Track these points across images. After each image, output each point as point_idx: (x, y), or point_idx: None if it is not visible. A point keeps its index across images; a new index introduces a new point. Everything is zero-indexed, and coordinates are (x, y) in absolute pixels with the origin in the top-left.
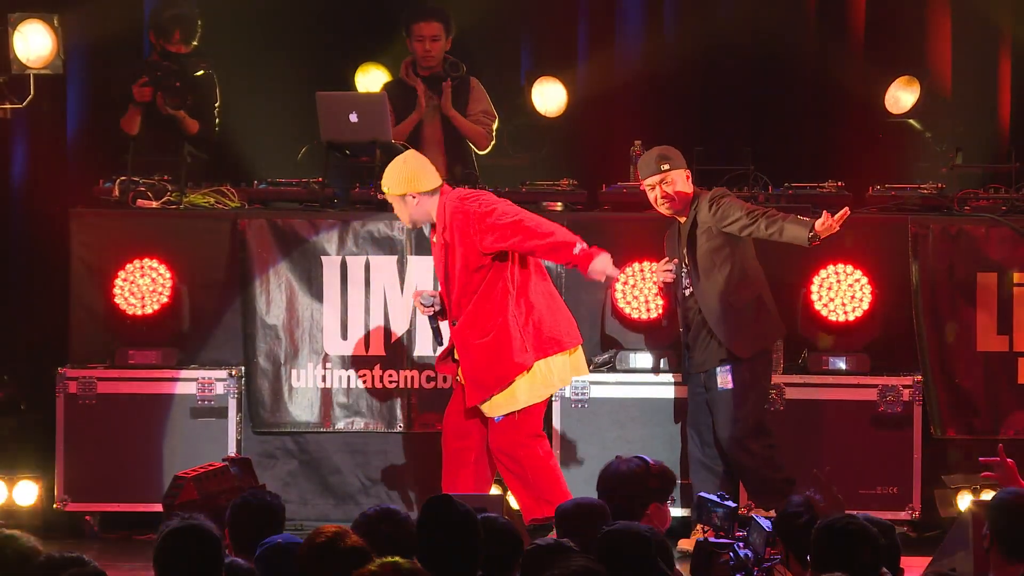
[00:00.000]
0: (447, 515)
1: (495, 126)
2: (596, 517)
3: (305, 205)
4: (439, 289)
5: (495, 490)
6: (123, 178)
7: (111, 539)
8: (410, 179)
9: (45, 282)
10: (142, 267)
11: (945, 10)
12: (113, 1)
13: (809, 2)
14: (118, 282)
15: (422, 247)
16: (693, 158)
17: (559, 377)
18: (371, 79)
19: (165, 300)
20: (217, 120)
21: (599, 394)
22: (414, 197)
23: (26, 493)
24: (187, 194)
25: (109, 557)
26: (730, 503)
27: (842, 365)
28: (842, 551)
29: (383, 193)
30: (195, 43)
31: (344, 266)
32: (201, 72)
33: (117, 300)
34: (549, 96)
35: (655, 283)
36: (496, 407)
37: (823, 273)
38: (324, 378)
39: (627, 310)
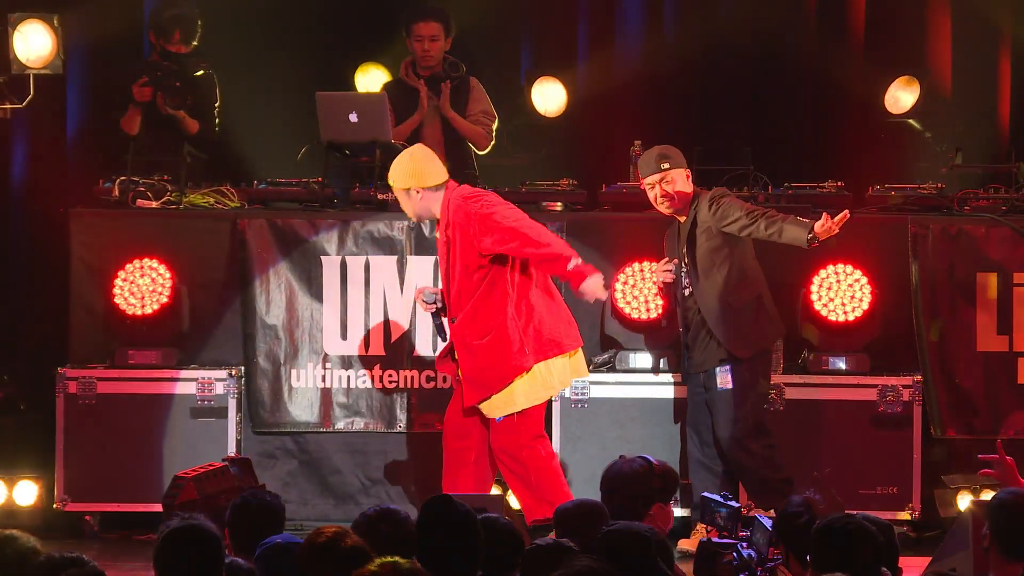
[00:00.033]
0: (447, 515)
1: (495, 126)
2: (595, 518)
3: (305, 205)
4: (441, 287)
5: (495, 490)
6: (123, 178)
7: (111, 539)
8: (415, 173)
9: (45, 282)
10: (142, 267)
11: (945, 10)
12: (113, 1)
13: (809, 2)
14: (118, 282)
15: (422, 247)
16: (693, 158)
17: (559, 379)
18: (371, 79)
19: (165, 300)
20: (217, 120)
21: (599, 394)
22: (418, 192)
23: (26, 493)
24: (187, 194)
25: (109, 557)
26: (734, 503)
27: (842, 365)
28: (842, 551)
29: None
30: (195, 43)
31: (344, 266)
32: (201, 72)
33: (117, 300)
34: (549, 96)
35: (655, 283)
36: (494, 408)
37: (823, 273)
38: (324, 378)
39: (627, 310)
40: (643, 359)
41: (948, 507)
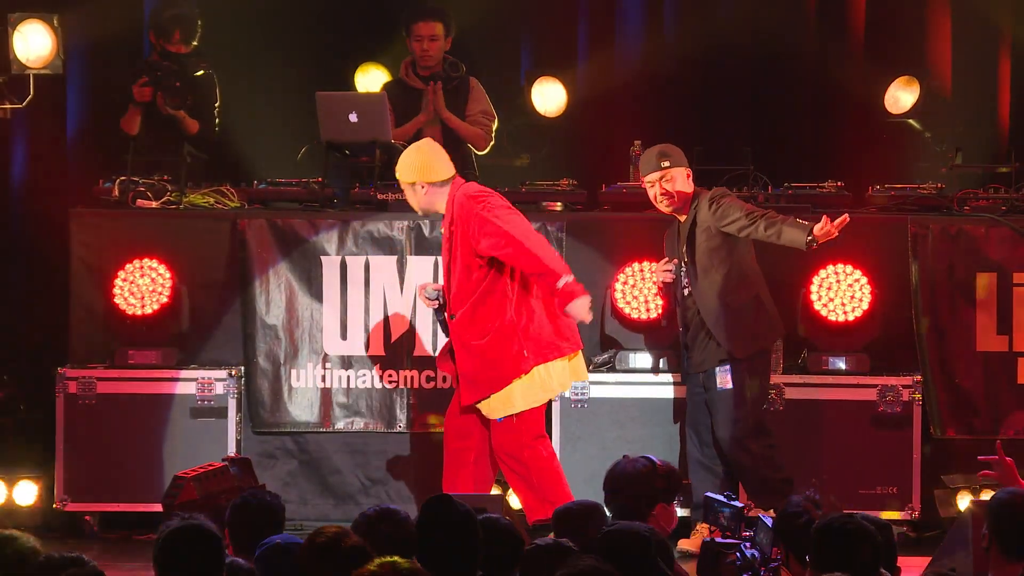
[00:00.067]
0: (447, 515)
1: (494, 126)
2: (594, 518)
3: (305, 205)
4: (443, 283)
5: (495, 490)
6: (123, 178)
7: (111, 539)
8: (421, 168)
9: (45, 282)
10: (142, 267)
11: (945, 10)
12: (113, 1)
13: (809, 2)
14: (118, 282)
15: (422, 247)
16: (693, 158)
17: (558, 382)
18: (371, 79)
19: (165, 300)
20: (217, 120)
21: (599, 394)
22: (423, 186)
23: (26, 493)
24: (187, 194)
25: (109, 557)
26: (737, 503)
27: (842, 365)
28: (841, 551)
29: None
30: (195, 43)
31: (344, 266)
32: (201, 72)
33: (117, 300)
34: (549, 96)
35: (655, 283)
36: (493, 409)
37: (823, 273)
38: (324, 378)
39: (627, 310)
40: (643, 359)
41: (948, 507)
